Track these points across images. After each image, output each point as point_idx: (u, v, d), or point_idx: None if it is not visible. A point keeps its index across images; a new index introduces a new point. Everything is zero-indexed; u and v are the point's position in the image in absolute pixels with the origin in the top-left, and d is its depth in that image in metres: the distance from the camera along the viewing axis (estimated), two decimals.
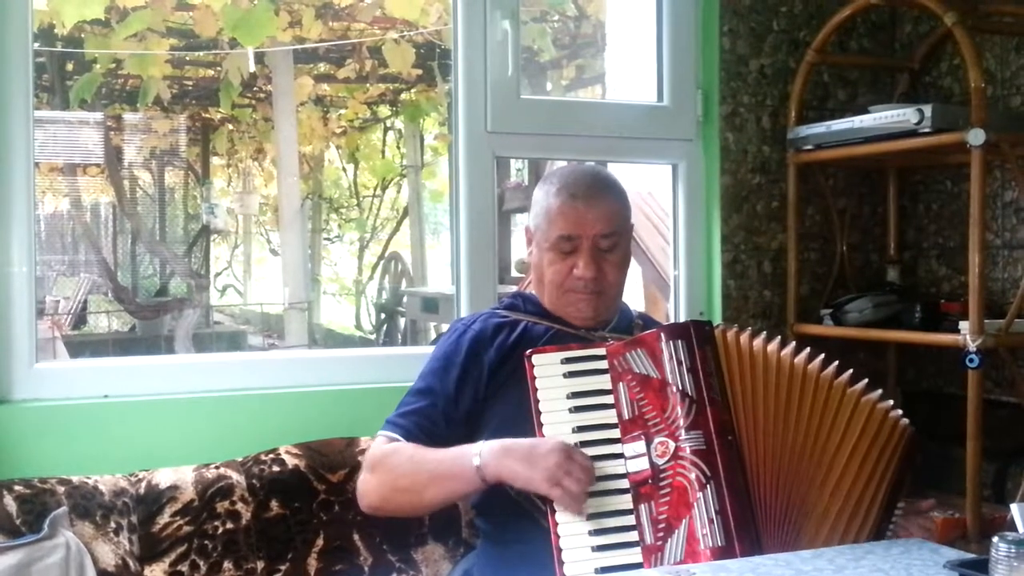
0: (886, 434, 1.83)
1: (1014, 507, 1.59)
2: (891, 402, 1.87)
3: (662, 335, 1.83)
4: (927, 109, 2.36)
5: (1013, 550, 1.36)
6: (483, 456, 1.82)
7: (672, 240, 2.87)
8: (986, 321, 2.30)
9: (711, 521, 1.70)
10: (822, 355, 1.87)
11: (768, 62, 2.81)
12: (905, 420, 1.86)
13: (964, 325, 2.32)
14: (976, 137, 2.28)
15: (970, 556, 1.58)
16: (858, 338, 2.64)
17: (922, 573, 1.52)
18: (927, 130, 2.37)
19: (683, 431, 1.76)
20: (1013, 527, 1.56)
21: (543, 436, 1.82)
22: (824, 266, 2.87)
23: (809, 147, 2.70)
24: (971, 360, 2.28)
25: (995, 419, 2.49)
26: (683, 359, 1.80)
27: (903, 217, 2.93)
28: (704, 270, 2.81)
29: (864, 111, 2.58)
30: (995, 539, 1.38)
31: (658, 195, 4.88)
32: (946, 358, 2.71)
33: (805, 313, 2.77)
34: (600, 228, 2.02)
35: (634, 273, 4.88)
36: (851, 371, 1.87)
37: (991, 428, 2.38)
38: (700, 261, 2.81)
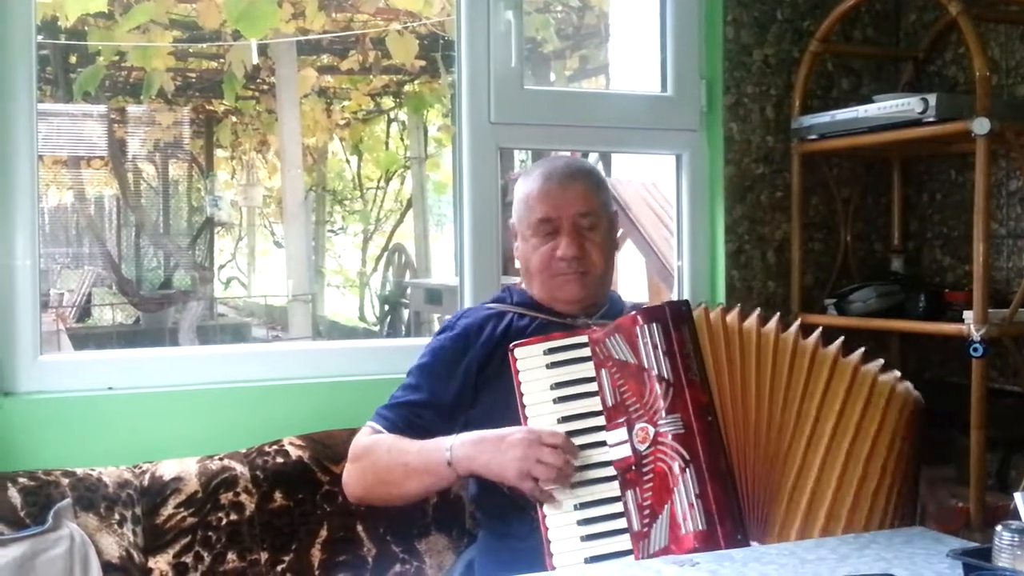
0: (896, 409, 1.78)
1: (1018, 496, 1.58)
2: (897, 373, 1.82)
3: (638, 318, 1.82)
4: (932, 98, 2.35)
5: (1016, 539, 1.36)
6: (454, 450, 1.84)
7: (676, 230, 2.87)
8: (990, 310, 2.30)
9: (691, 506, 1.69)
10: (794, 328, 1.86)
11: (772, 52, 2.80)
12: (911, 389, 1.82)
13: (968, 314, 2.32)
14: (981, 126, 2.27)
15: (973, 545, 1.58)
16: (862, 328, 2.63)
17: (925, 562, 1.52)
18: (932, 119, 2.36)
19: (662, 415, 1.75)
20: (1017, 516, 1.56)
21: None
22: (828, 256, 2.87)
23: (813, 137, 2.69)
24: (975, 349, 2.28)
25: (999, 408, 2.48)
26: (659, 342, 1.79)
27: (907, 207, 2.93)
28: (708, 260, 2.81)
29: (868, 100, 2.57)
30: (998, 528, 1.38)
31: (662, 185, 4.87)
32: (950, 347, 2.71)
33: (809, 303, 2.76)
34: (578, 207, 2.04)
35: (638, 264, 4.88)
36: (842, 340, 1.86)
37: (995, 417, 2.37)
38: (704, 251, 2.81)
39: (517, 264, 2.16)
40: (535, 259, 2.06)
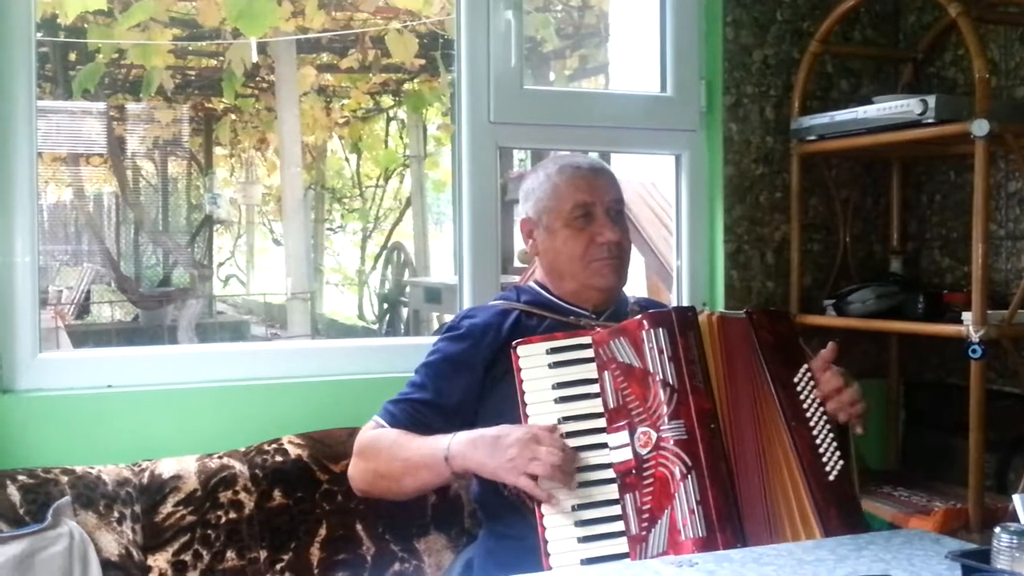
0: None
1: (1016, 498, 1.58)
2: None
3: (644, 323, 1.82)
4: (931, 100, 2.35)
5: (1015, 540, 1.36)
6: (451, 448, 1.84)
7: (675, 230, 2.87)
8: (989, 312, 2.30)
9: (691, 512, 1.69)
10: None
11: (772, 52, 2.80)
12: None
13: (967, 316, 2.32)
14: (980, 128, 2.27)
15: (972, 547, 1.58)
16: (861, 329, 2.63)
17: (924, 563, 1.52)
18: (931, 121, 2.36)
19: (665, 421, 1.75)
20: (1015, 517, 1.56)
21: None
22: (827, 257, 2.87)
23: (812, 138, 2.69)
24: (974, 351, 2.28)
25: (997, 410, 2.49)
26: (664, 348, 1.79)
27: (906, 208, 2.93)
28: (707, 261, 2.81)
29: (868, 102, 2.57)
30: (997, 530, 1.38)
31: (661, 185, 4.87)
32: (949, 349, 2.71)
33: (808, 304, 2.77)
34: (612, 194, 2.07)
35: (637, 263, 4.88)
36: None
37: (993, 419, 2.38)
38: (703, 251, 2.81)
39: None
40: (567, 249, 2.05)
